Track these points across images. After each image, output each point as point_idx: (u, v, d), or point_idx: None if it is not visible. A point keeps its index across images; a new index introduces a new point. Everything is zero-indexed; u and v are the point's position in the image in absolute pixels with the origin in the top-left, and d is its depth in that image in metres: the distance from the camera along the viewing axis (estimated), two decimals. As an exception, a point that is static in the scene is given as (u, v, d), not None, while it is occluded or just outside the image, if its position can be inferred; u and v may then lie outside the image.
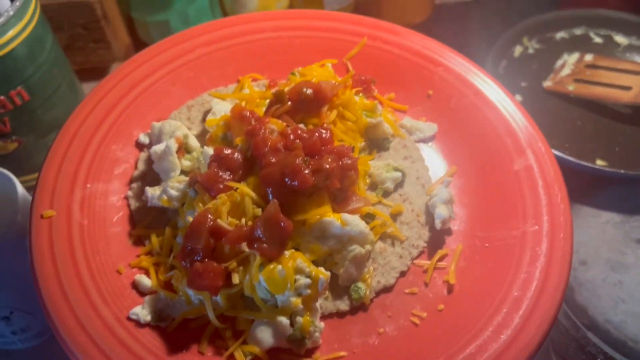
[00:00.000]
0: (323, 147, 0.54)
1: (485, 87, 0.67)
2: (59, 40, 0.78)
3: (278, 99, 0.59)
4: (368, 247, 0.54)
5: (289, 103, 0.59)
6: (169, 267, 0.53)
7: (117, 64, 1.00)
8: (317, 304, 0.51)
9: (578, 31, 1.01)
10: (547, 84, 0.93)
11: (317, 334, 0.50)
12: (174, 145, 0.58)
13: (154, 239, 0.55)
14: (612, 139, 0.85)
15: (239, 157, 0.54)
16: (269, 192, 0.52)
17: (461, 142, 0.65)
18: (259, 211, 0.51)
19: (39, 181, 0.56)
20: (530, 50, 0.98)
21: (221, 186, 0.52)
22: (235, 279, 0.50)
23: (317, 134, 0.55)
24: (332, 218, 0.52)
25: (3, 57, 0.66)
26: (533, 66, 0.96)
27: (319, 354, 0.50)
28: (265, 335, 0.49)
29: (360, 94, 0.65)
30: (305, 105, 0.59)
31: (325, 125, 0.58)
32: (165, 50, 0.68)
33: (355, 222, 0.53)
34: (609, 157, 0.83)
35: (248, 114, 0.57)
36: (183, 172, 0.59)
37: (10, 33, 0.66)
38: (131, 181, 0.60)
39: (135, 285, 0.53)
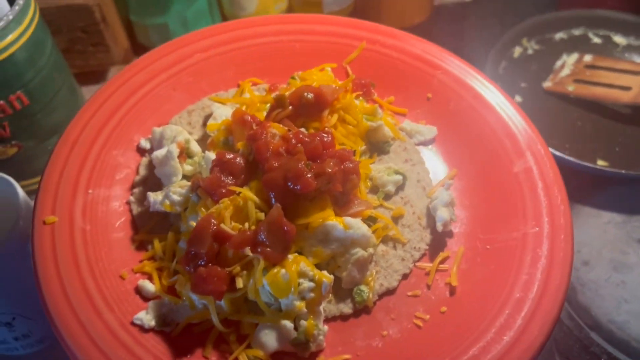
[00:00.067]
0: (325, 151, 0.55)
1: (484, 90, 0.67)
2: (57, 44, 0.78)
3: (279, 103, 0.59)
4: (370, 250, 0.54)
5: (290, 107, 0.59)
6: (172, 272, 0.53)
7: (116, 67, 1.00)
8: (321, 308, 0.51)
9: (577, 32, 1.01)
10: (547, 84, 0.93)
11: (321, 337, 0.50)
12: (175, 150, 0.58)
13: (157, 244, 0.55)
14: (612, 139, 0.86)
15: (241, 161, 0.54)
16: (272, 196, 0.52)
17: (461, 145, 0.65)
18: (262, 215, 0.51)
19: (40, 187, 0.56)
20: (530, 51, 0.99)
21: (224, 191, 0.52)
22: (239, 283, 0.50)
23: (318, 138, 0.55)
24: (334, 222, 0.53)
25: (2, 62, 0.66)
26: (532, 67, 0.96)
27: (323, 357, 0.51)
28: (269, 339, 0.49)
29: (360, 98, 0.66)
30: (306, 109, 0.59)
31: (326, 129, 0.58)
32: (165, 55, 0.68)
33: (357, 226, 0.53)
34: (610, 157, 0.83)
35: (249, 118, 0.57)
36: (185, 177, 0.59)
37: (10, 37, 0.65)
38: (133, 186, 0.60)
39: (139, 291, 0.53)
